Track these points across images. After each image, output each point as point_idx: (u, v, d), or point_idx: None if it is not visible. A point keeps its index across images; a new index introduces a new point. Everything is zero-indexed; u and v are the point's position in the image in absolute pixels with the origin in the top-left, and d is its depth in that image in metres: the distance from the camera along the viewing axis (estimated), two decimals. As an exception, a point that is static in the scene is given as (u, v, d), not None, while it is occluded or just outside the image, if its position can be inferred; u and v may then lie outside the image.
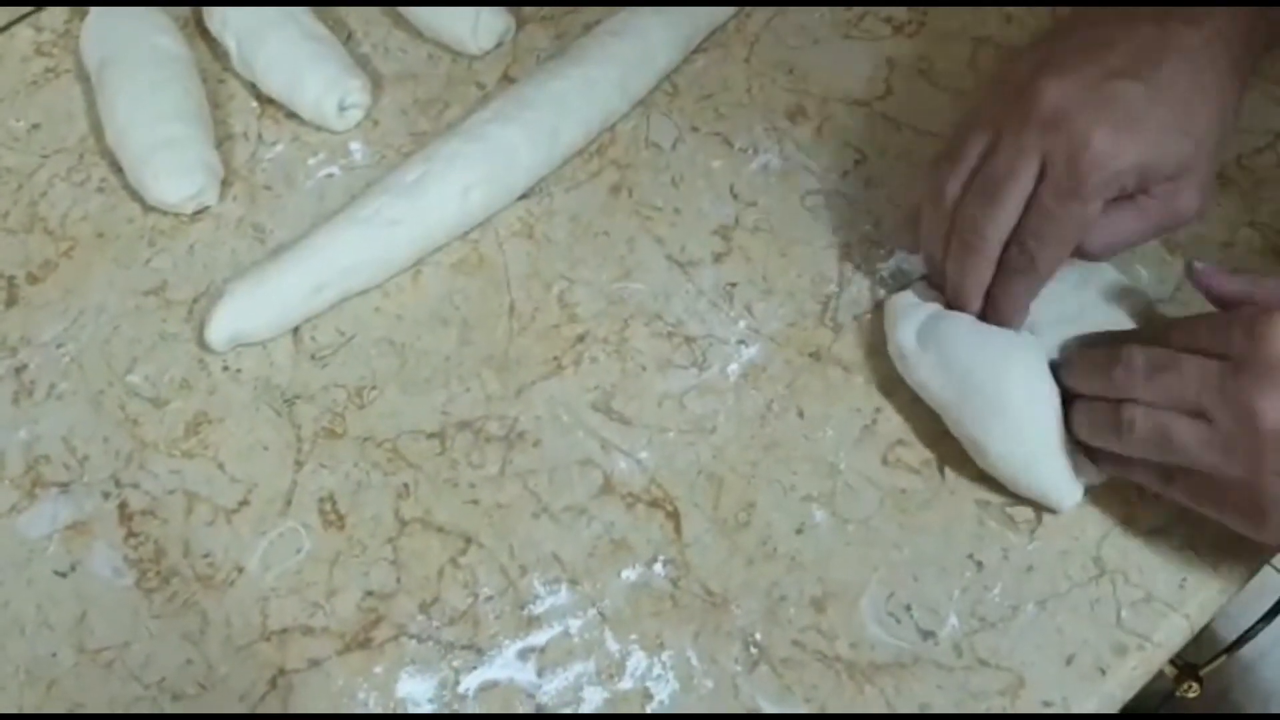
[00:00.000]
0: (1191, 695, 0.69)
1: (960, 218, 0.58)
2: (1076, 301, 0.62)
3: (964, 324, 0.60)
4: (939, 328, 0.60)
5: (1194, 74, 0.55)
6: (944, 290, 0.61)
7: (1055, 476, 0.57)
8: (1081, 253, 0.58)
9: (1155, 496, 0.58)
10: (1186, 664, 0.70)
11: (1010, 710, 0.54)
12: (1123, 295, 0.62)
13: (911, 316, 0.61)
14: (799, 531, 0.58)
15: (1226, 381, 0.50)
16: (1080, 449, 0.57)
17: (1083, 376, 0.57)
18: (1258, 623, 0.66)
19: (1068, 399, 0.57)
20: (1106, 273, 0.63)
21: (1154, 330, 0.56)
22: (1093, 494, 0.58)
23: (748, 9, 0.75)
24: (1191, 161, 0.56)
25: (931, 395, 0.59)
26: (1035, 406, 0.57)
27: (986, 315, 0.60)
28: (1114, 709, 0.55)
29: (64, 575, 0.59)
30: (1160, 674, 0.59)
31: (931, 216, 0.60)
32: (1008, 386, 0.57)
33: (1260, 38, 0.58)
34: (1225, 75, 0.56)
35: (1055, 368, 0.58)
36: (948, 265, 0.60)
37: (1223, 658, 0.69)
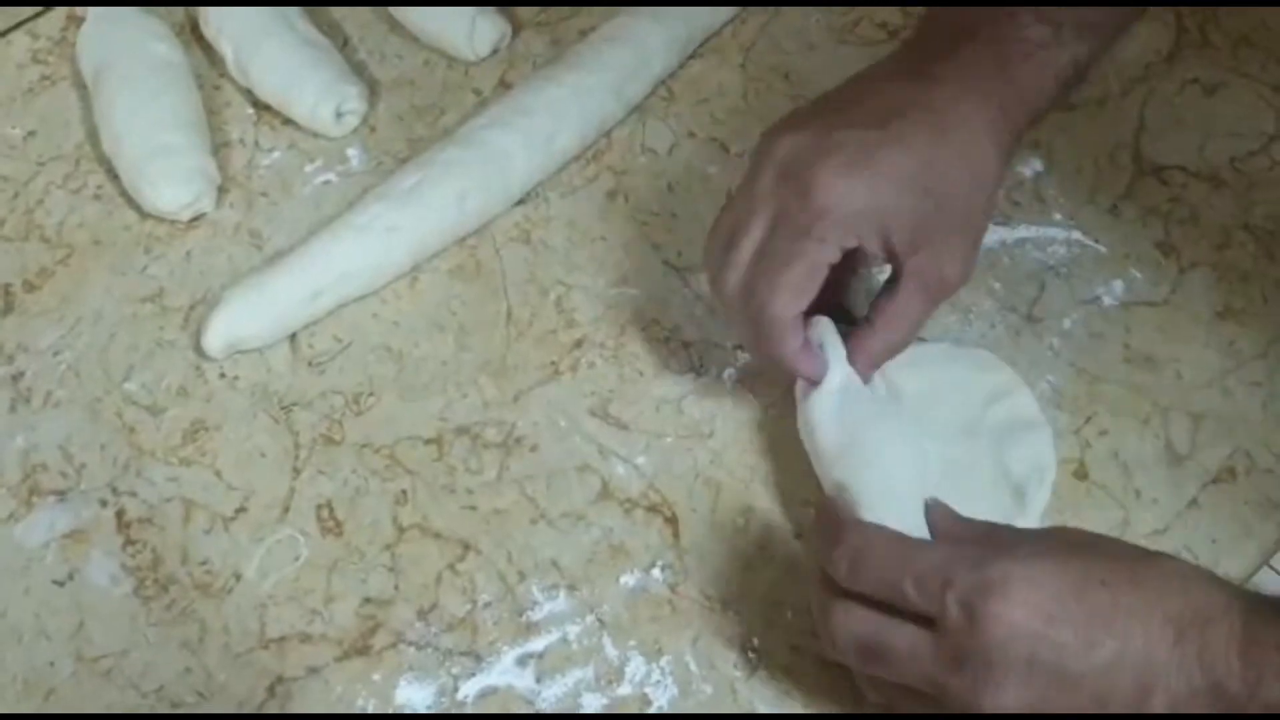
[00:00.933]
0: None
1: (708, 274, 0.57)
2: (946, 377, 0.61)
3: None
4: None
5: (939, 131, 0.53)
6: None
7: None
8: (891, 348, 0.57)
9: (1153, 499, 0.58)
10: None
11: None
12: (986, 369, 0.61)
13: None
14: (797, 535, 0.58)
15: (943, 674, 0.46)
16: None
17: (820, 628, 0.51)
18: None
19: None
20: (975, 353, 0.62)
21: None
22: (1090, 494, 0.58)
23: (743, 16, 0.75)
24: (935, 223, 0.54)
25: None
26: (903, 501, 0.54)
27: None
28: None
29: (61, 584, 0.59)
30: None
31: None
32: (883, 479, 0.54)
33: (1021, 107, 0.56)
34: (979, 138, 0.54)
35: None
36: None
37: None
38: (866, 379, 0.57)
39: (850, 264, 0.56)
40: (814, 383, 0.56)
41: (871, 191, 0.53)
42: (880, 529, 0.50)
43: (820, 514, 0.54)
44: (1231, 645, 0.43)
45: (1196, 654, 0.43)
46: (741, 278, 0.55)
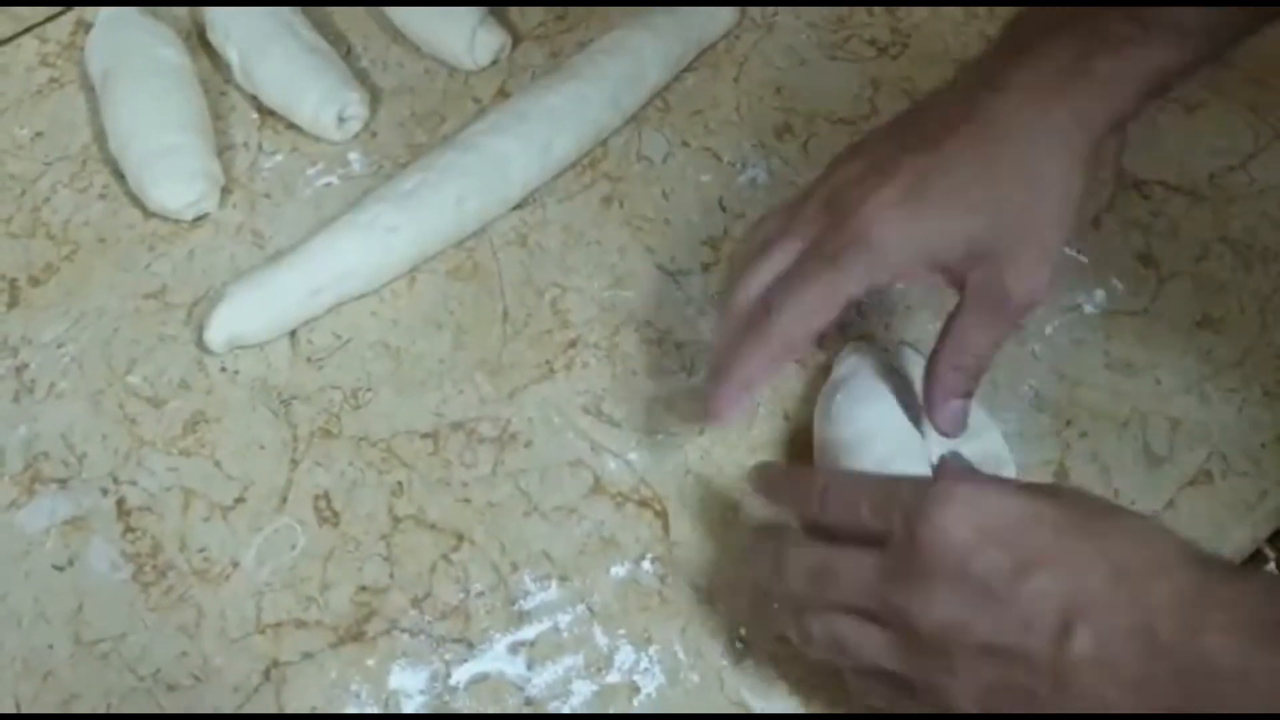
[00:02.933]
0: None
1: (729, 279, 0.58)
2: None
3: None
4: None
5: (994, 145, 0.52)
6: None
7: None
8: (958, 369, 0.55)
9: (1131, 500, 0.60)
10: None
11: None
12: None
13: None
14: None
15: (882, 585, 0.47)
16: None
17: (756, 558, 0.53)
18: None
19: None
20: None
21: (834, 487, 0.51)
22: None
23: (736, 32, 0.77)
24: (992, 238, 0.52)
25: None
26: None
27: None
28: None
29: (61, 569, 0.60)
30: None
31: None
32: None
33: (1100, 108, 0.53)
34: (1043, 146, 0.52)
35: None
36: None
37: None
38: (947, 415, 0.56)
39: None
40: (713, 420, 0.57)
41: (915, 222, 0.52)
42: (845, 470, 0.54)
43: (780, 470, 0.57)
44: (1173, 597, 0.42)
45: (1130, 595, 0.42)
46: (760, 287, 0.55)
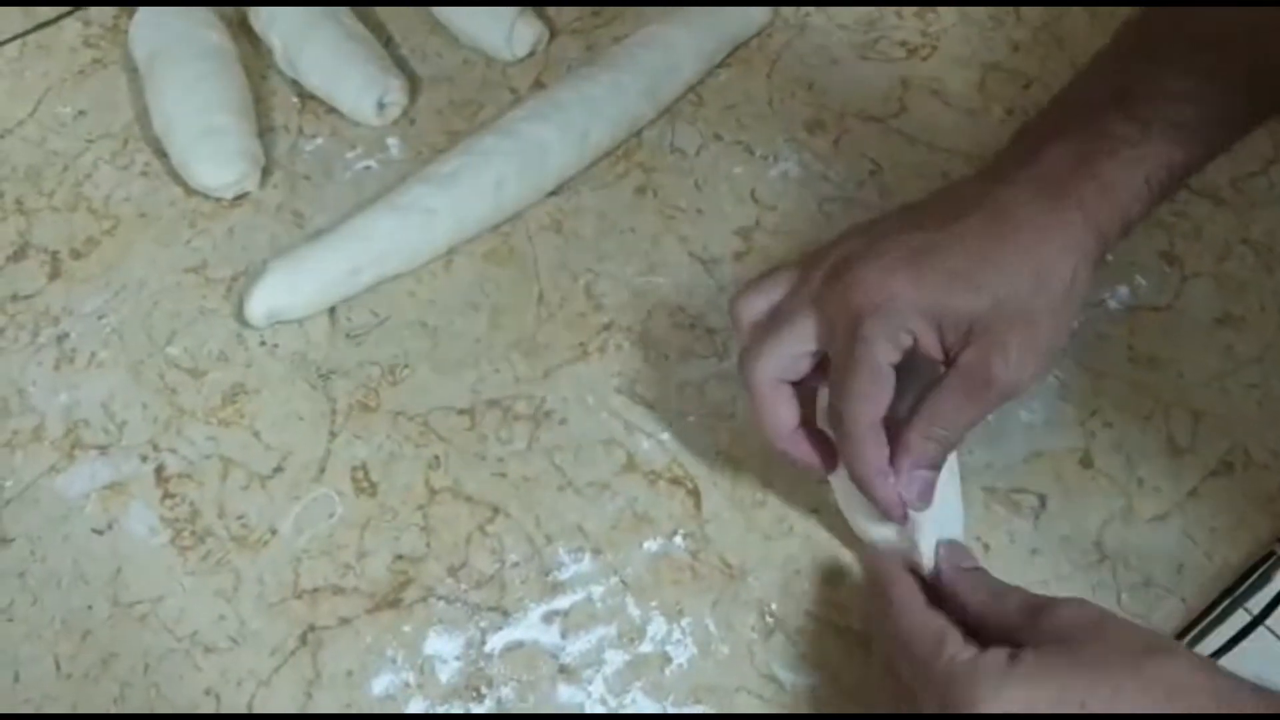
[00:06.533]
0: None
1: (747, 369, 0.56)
2: None
3: None
4: None
5: (1000, 231, 0.52)
6: None
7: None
8: (929, 440, 0.54)
9: (1155, 488, 0.61)
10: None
11: (1015, 681, 0.56)
12: None
13: None
14: (814, 511, 0.61)
15: None
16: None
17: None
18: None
19: None
20: None
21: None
22: (1095, 481, 0.61)
23: (769, 30, 0.79)
24: (990, 321, 0.52)
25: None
26: None
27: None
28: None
29: (100, 533, 0.61)
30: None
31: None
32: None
33: (1109, 208, 0.53)
34: (1047, 240, 0.52)
35: None
36: None
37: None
38: (915, 484, 0.54)
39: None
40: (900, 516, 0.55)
41: (917, 287, 0.51)
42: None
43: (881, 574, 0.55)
44: None
45: None
46: (778, 365, 0.54)
